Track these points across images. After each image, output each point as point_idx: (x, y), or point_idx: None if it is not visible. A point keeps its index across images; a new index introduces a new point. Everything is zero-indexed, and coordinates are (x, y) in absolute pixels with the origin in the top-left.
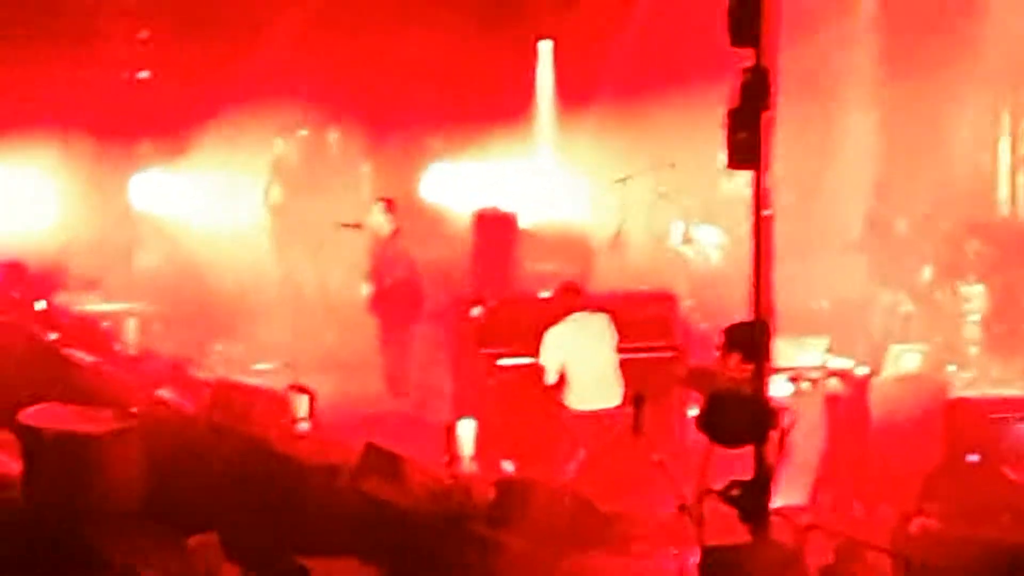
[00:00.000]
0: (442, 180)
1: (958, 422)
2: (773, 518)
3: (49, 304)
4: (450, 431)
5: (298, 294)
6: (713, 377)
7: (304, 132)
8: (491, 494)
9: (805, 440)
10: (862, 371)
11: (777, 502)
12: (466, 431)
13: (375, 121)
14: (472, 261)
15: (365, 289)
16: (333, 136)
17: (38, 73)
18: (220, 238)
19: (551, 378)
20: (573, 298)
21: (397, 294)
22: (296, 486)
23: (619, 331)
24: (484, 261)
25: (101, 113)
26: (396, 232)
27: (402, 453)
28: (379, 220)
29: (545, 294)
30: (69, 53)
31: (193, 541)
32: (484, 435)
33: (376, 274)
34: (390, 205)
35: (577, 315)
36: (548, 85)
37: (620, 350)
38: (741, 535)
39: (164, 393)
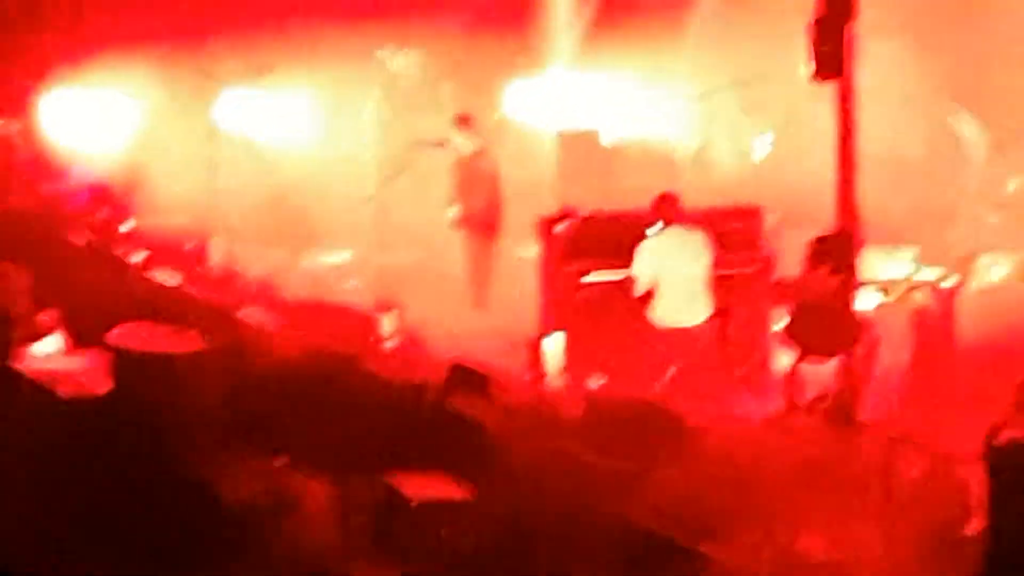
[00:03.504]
0: (526, 97)
1: None
2: (861, 430)
3: (134, 226)
4: (537, 347)
5: (384, 212)
6: (800, 290)
7: (385, 51)
8: (578, 410)
9: (893, 352)
10: (949, 282)
11: (865, 414)
12: (553, 347)
13: (457, 38)
14: (557, 177)
15: (451, 212)
16: (414, 55)
17: None
18: (306, 157)
19: (641, 289)
20: (670, 208)
21: (481, 212)
22: (383, 404)
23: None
24: (569, 177)
25: (185, 32)
26: (481, 151)
27: (489, 370)
28: (458, 139)
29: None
30: None
31: (277, 462)
32: (571, 351)
33: (461, 194)
34: (465, 121)
35: (674, 229)
36: None
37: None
38: (829, 448)
39: (250, 313)
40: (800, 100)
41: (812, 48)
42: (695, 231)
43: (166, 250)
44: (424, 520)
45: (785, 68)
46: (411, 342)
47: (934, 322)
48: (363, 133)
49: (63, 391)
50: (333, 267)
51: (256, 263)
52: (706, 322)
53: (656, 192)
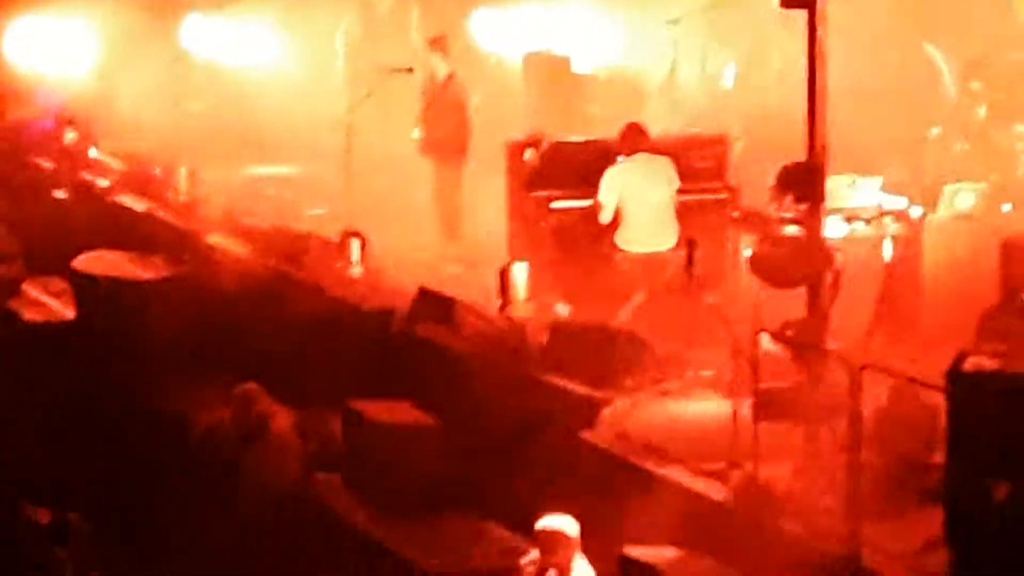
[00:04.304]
0: (493, 23)
1: (1013, 261)
2: (827, 359)
3: (100, 151)
4: (504, 274)
5: (350, 138)
6: (766, 218)
7: None
8: (545, 337)
9: (859, 280)
10: (916, 211)
11: (831, 342)
12: (520, 274)
13: None
14: (526, 104)
15: (415, 133)
16: None
17: None
18: (272, 82)
19: (606, 216)
20: (638, 139)
21: (449, 138)
22: (350, 330)
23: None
24: (538, 104)
25: None
26: (450, 76)
27: (456, 296)
28: (432, 60)
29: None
30: None
31: (238, 389)
32: (538, 278)
33: (429, 119)
34: (439, 43)
35: (640, 155)
36: None
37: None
38: (795, 376)
39: (216, 239)
40: (770, 28)
41: None
42: (661, 158)
43: (133, 176)
44: (390, 445)
45: None
46: (378, 268)
47: (901, 250)
48: (332, 58)
49: (28, 316)
50: (298, 191)
51: (223, 189)
52: (673, 249)
53: (623, 121)
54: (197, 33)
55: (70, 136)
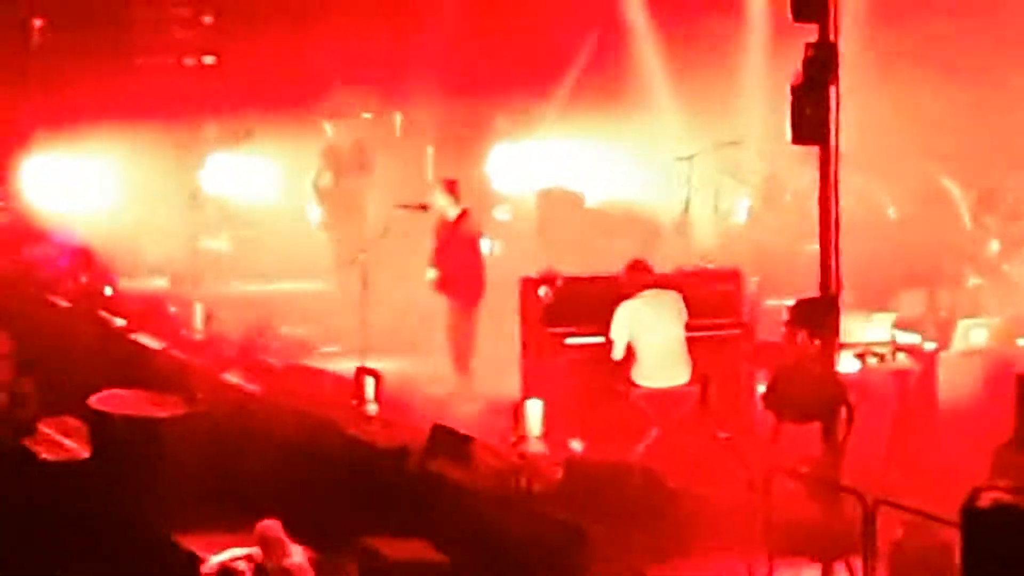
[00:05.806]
0: (507, 161)
1: None
2: (842, 494)
3: (116, 289)
4: (518, 411)
5: (362, 277)
6: (780, 354)
7: (368, 115)
8: (559, 474)
9: (873, 416)
10: (930, 346)
11: (846, 477)
12: (534, 411)
13: (439, 103)
14: (539, 240)
15: (430, 274)
16: (396, 118)
17: (105, 60)
18: (286, 221)
19: (618, 353)
20: (642, 276)
21: (462, 276)
22: (365, 468)
23: (686, 309)
24: (551, 240)
25: (167, 98)
26: (463, 214)
27: (470, 434)
28: (442, 202)
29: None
30: (135, 40)
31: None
32: (552, 414)
33: (441, 256)
34: (450, 186)
35: (649, 291)
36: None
37: (688, 328)
38: (810, 511)
39: (231, 377)
40: (783, 163)
41: (793, 111)
42: (670, 292)
43: (149, 313)
44: None
45: (769, 131)
46: (393, 406)
47: (915, 386)
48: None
49: (45, 455)
50: (313, 329)
51: (237, 327)
52: (687, 384)
53: (628, 259)
54: (211, 174)
55: (85, 277)
